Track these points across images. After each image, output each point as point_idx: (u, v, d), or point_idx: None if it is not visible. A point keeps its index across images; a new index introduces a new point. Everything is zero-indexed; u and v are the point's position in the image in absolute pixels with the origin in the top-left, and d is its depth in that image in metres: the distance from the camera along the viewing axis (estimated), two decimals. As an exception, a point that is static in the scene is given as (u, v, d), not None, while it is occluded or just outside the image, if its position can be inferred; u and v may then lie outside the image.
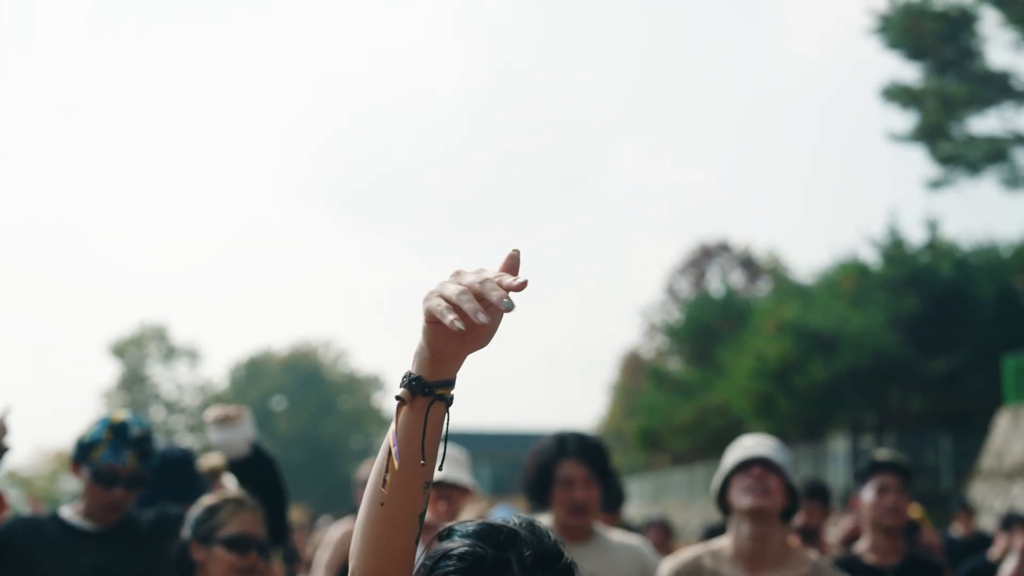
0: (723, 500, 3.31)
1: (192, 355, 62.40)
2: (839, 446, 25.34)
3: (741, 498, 3.19)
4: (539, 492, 3.47)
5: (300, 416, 62.74)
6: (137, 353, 61.24)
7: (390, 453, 1.38)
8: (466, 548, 1.42)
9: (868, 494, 3.93)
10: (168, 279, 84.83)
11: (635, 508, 38.09)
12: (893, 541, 3.91)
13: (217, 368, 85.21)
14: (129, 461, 3.32)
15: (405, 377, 1.41)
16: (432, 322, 1.37)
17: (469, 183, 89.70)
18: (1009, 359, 19.63)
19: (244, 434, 3.48)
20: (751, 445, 3.33)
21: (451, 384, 1.41)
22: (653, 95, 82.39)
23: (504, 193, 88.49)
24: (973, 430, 21.93)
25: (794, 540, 3.68)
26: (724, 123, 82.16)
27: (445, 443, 1.42)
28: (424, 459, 1.38)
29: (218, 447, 3.55)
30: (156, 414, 60.78)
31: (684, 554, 3.39)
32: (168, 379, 62.31)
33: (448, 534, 1.49)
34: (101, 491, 3.32)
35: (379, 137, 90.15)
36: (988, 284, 23.84)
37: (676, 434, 34.58)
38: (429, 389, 1.39)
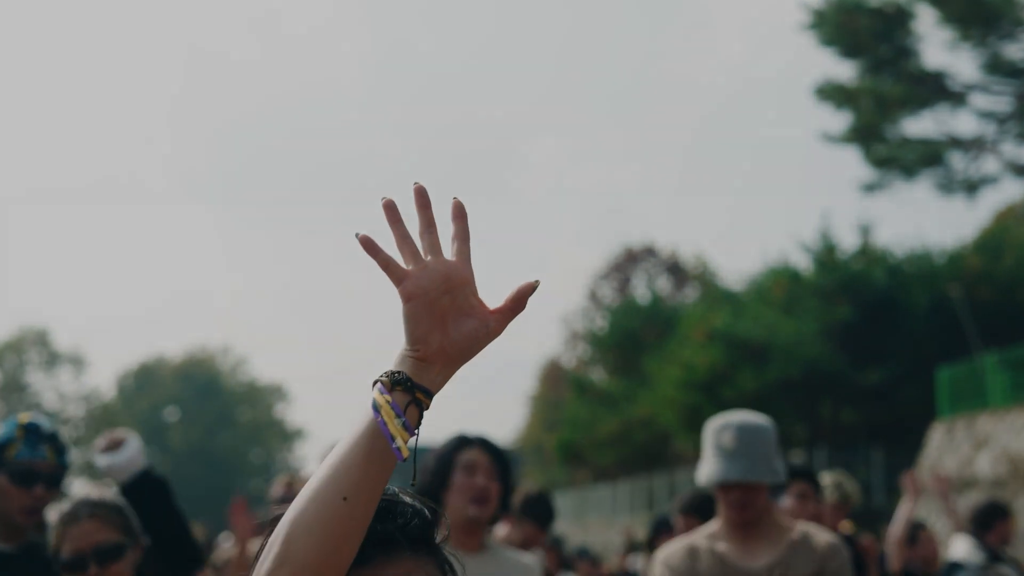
0: None
1: (76, 362, 60.90)
2: (768, 460, 25.65)
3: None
4: (436, 482, 3.39)
5: (195, 428, 61.73)
6: (15, 359, 59.62)
7: (379, 436, 1.26)
8: None
9: (787, 501, 3.96)
10: (50, 279, 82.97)
11: (556, 526, 38.13)
12: None
13: (104, 376, 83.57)
14: (49, 456, 3.27)
15: (386, 372, 1.32)
16: (407, 300, 1.33)
17: (375, 182, 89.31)
18: (943, 371, 20.03)
19: (130, 456, 3.47)
20: None
21: (429, 395, 1.32)
22: (575, 90, 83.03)
23: (412, 192, 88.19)
24: (906, 444, 22.38)
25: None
26: (650, 121, 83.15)
27: (415, 458, 1.32)
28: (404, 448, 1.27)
29: (105, 472, 3.54)
30: (36, 426, 59.23)
31: None
32: (50, 387, 60.71)
33: None
34: (21, 492, 3.21)
35: (278, 133, 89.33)
36: (921, 293, 24.35)
37: (599, 448, 34.74)
38: (411, 386, 1.31)
